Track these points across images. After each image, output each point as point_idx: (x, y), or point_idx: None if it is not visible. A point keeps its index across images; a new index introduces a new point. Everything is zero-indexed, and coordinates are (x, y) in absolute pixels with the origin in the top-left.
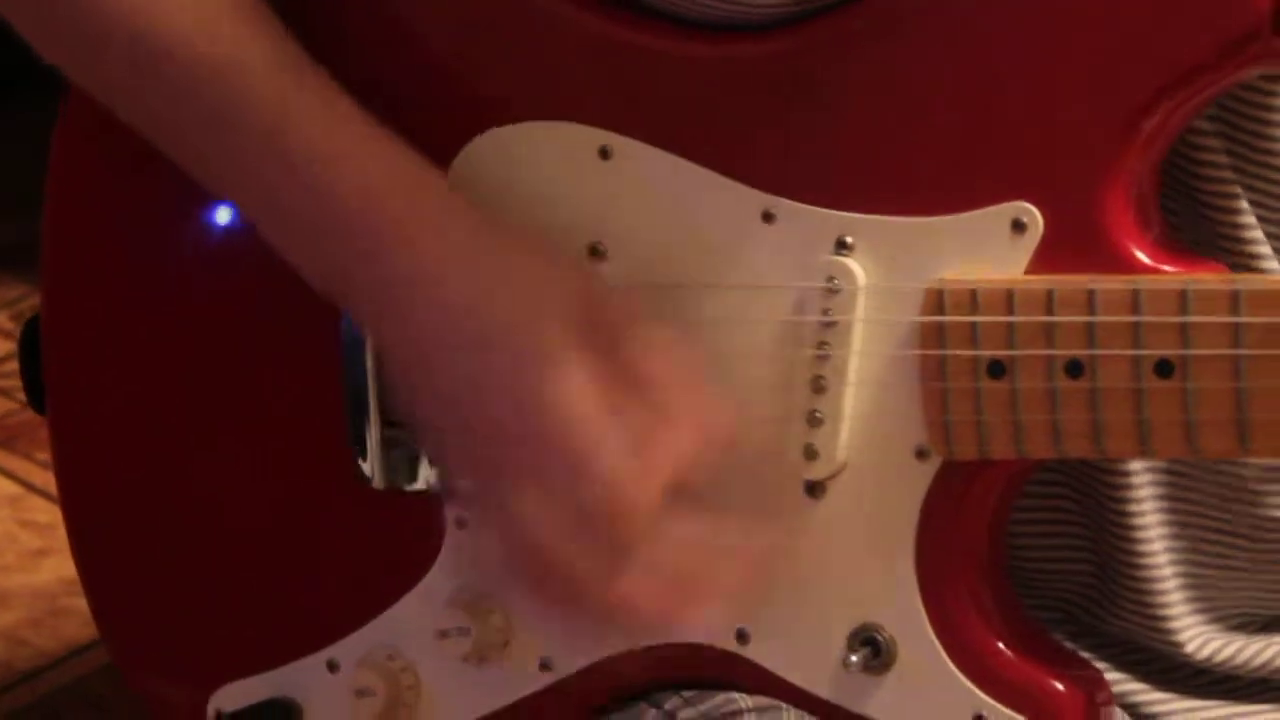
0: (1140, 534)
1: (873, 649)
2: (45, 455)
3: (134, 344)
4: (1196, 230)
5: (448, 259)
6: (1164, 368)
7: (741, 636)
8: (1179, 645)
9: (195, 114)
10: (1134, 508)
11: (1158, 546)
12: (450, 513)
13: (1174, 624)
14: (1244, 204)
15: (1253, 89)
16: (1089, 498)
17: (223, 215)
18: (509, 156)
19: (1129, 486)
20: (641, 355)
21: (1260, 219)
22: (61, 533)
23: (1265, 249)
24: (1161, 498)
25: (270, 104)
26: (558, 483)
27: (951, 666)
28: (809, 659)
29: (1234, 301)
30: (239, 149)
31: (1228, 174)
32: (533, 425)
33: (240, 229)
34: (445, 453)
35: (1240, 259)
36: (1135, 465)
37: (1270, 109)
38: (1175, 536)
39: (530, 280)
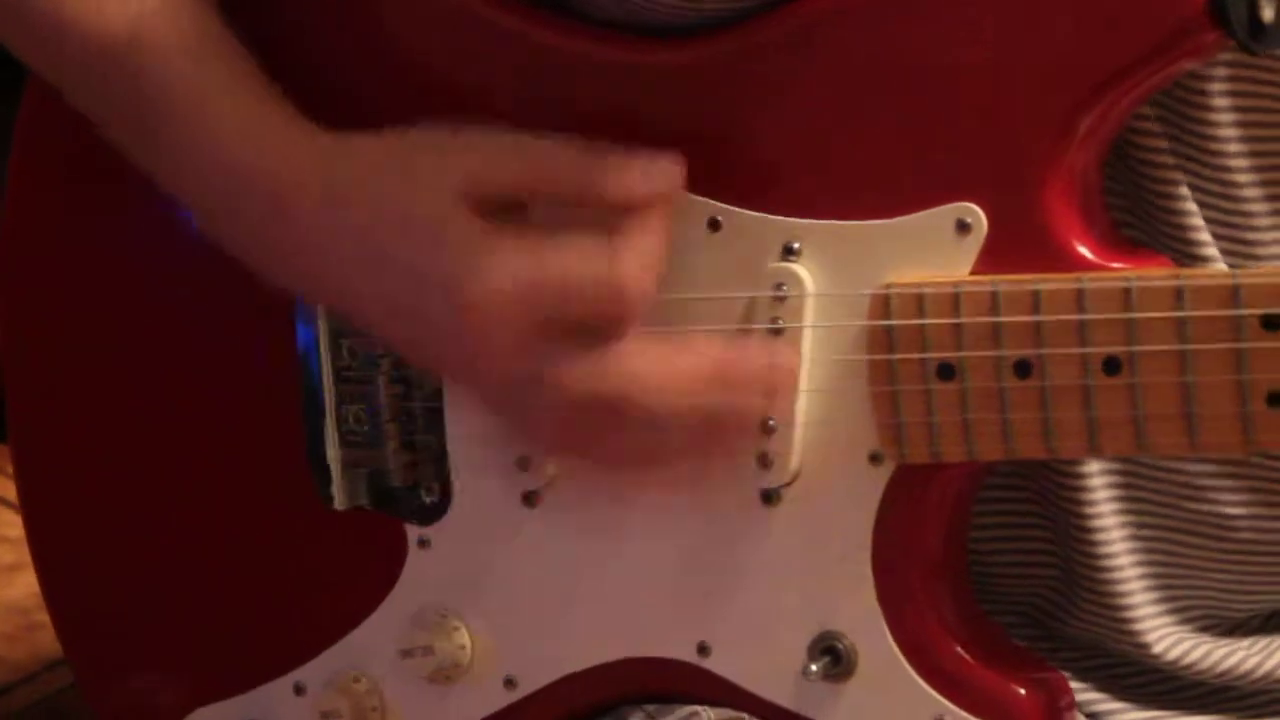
0: (1100, 535)
1: (833, 657)
2: None
3: (93, 367)
4: (1141, 224)
5: (329, 207)
6: (1111, 365)
7: (702, 649)
8: (1146, 647)
9: (114, 89)
10: (1090, 510)
11: (1119, 548)
12: (412, 533)
13: (1140, 625)
14: (1187, 198)
15: (1192, 81)
16: (1049, 500)
17: (180, 234)
18: None
19: (1085, 489)
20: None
21: (1203, 211)
22: None
23: (1209, 244)
24: (1118, 499)
25: (180, 78)
26: (544, 319)
27: (912, 673)
28: (770, 669)
29: (1178, 297)
30: (147, 116)
31: (1173, 171)
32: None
33: (198, 249)
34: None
35: (1184, 251)
36: (1091, 466)
37: (1209, 102)
38: (1135, 537)
39: (417, 191)
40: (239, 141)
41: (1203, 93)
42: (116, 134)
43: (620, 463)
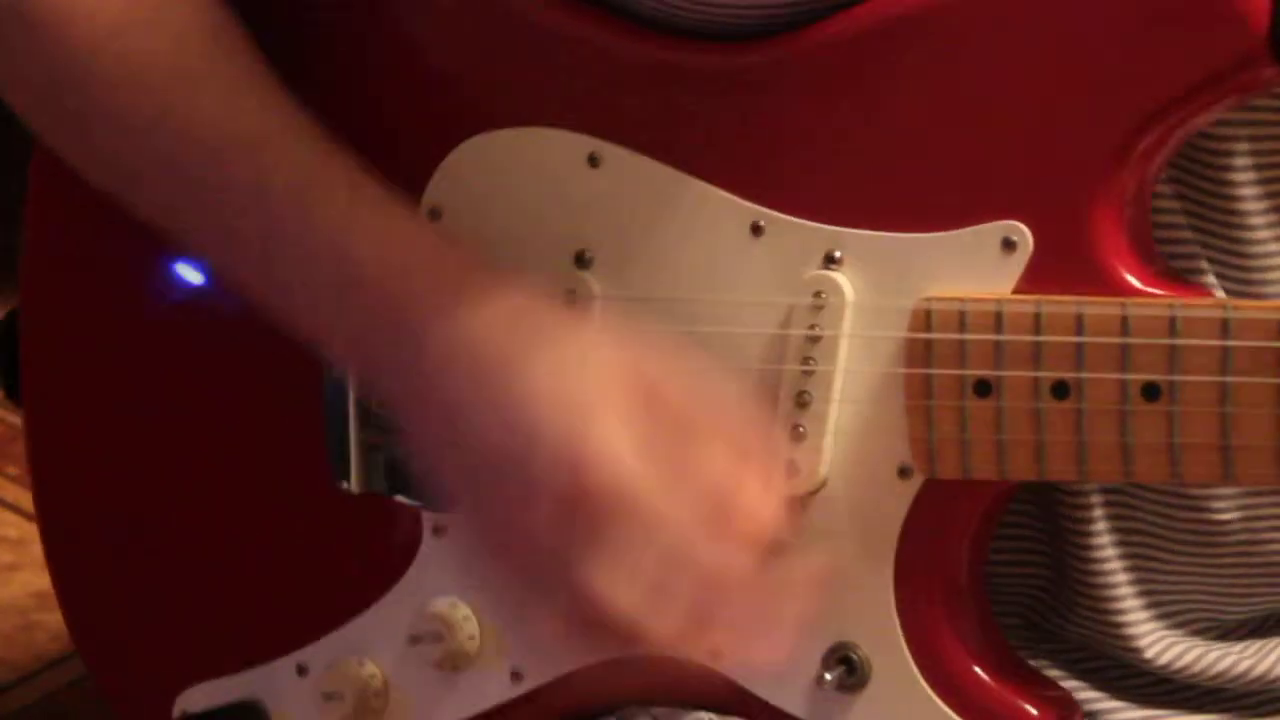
0: (1093, 540)
1: (848, 668)
2: (16, 470)
3: (110, 348)
4: None
5: (478, 337)
6: (1151, 391)
7: (715, 652)
8: (1137, 651)
9: (198, 187)
10: (1083, 514)
11: (1110, 553)
12: (427, 520)
13: (1131, 630)
14: (1197, 248)
15: (1206, 146)
16: (1045, 503)
17: None
18: (497, 162)
19: (1081, 493)
20: (687, 406)
21: (1204, 240)
22: (33, 548)
23: (1208, 271)
24: (1110, 504)
25: (293, 179)
26: (632, 543)
27: (926, 688)
28: (784, 676)
29: (1223, 327)
30: (238, 216)
31: (1179, 218)
32: (597, 489)
33: None
34: (486, 533)
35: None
36: None
37: (1226, 167)
38: (1126, 542)
39: (568, 350)
40: (391, 243)
41: (1221, 158)
42: (200, 234)
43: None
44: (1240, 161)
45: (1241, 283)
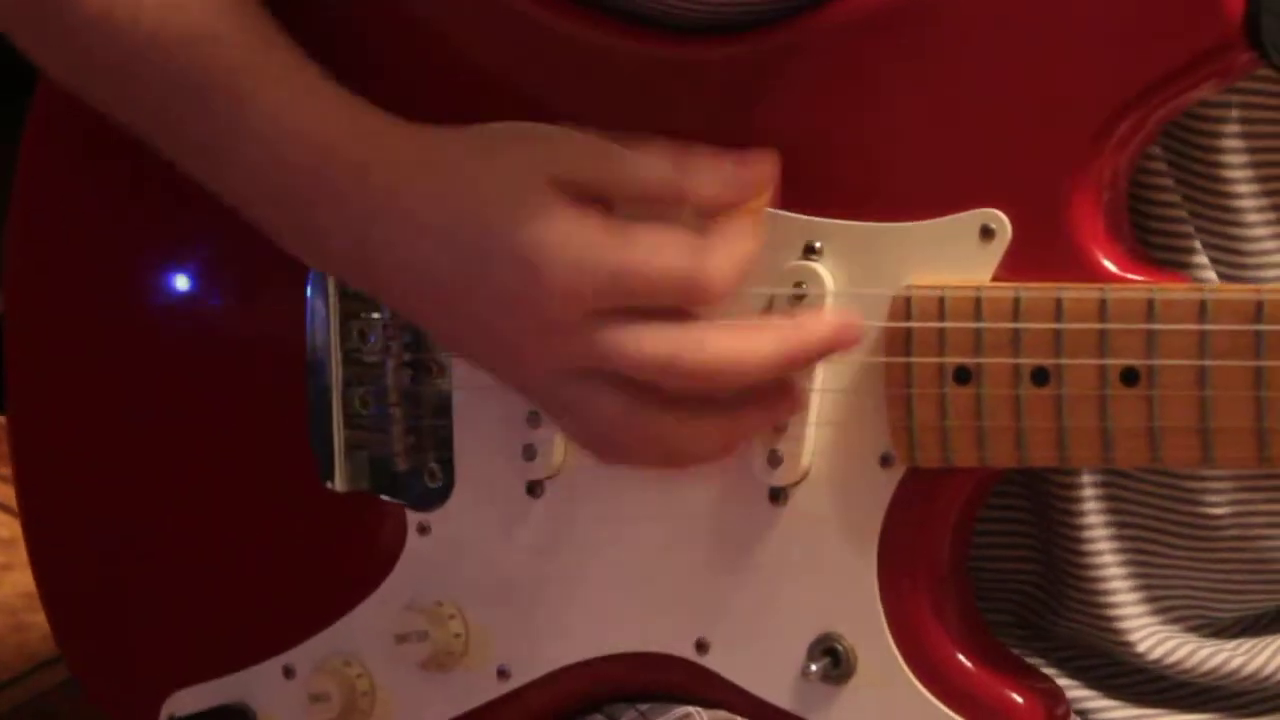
0: (1086, 534)
1: (833, 659)
2: (5, 470)
3: (95, 349)
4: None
5: (415, 176)
6: (1130, 376)
7: (701, 646)
8: (1130, 645)
9: (158, 83)
10: (1077, 508)
11: (1103, 546)
12: (412, 519)
13: (1124, 624)
14: (1195, 241)
15: (1200, 143)
16: (1037, 497)
17: (187, 223)
18: None
19: (1074, 486)
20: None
21: (1199, 230)
22: (24, 547)
23: (1207, 267)
24: (1104, 498)
25: (235, 69)
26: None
27: (911, 677)
28: (769, 668)
29: (1201, 310)
30: (203, 117)
31: (1170, 193)
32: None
33: (202, 238)
34: (488, 360)
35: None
36: None
37: (1218, 164)
38: (1120, 536)
39: (503, 168)
40: (315, 115)
41: (1205, 118)
42: (159, 129)
43: (683, 458)
44: (1235, 159)
45: (1236, 279)
